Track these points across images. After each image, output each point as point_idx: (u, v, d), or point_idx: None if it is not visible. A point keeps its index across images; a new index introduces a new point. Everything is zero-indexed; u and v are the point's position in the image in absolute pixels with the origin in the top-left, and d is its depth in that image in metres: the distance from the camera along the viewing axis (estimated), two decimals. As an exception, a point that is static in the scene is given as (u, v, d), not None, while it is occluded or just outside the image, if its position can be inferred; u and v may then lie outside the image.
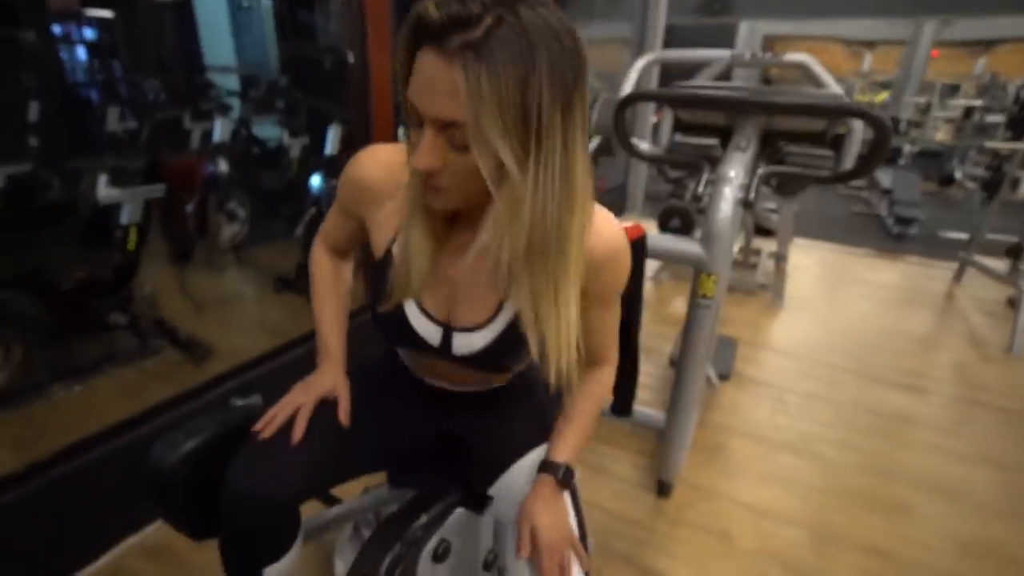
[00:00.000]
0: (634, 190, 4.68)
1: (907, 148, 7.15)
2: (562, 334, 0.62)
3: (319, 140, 2.91)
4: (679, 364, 1.46)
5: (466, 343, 0.72)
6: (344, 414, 0.80)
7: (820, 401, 2.15)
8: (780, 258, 2.94)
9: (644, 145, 1.64)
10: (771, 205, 3.54)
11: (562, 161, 0.53)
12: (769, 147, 1.65)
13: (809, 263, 3.73)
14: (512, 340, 0.69)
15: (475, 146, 0.51)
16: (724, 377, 1.94)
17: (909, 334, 2.78)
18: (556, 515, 0.73)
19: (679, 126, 1.69)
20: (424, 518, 0.73)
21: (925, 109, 8.02)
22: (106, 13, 4.23)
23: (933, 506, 1.64)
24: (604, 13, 4.50)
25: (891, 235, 4.84)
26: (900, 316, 3.00)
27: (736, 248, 3.33)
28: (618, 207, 4.69)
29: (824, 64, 2.08)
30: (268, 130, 3.45)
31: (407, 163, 0.62)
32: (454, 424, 0.89)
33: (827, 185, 6.35)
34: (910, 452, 1.88)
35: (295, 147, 3.30)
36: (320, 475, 0.78)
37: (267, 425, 0.75)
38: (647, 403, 1.93)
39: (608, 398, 0.85)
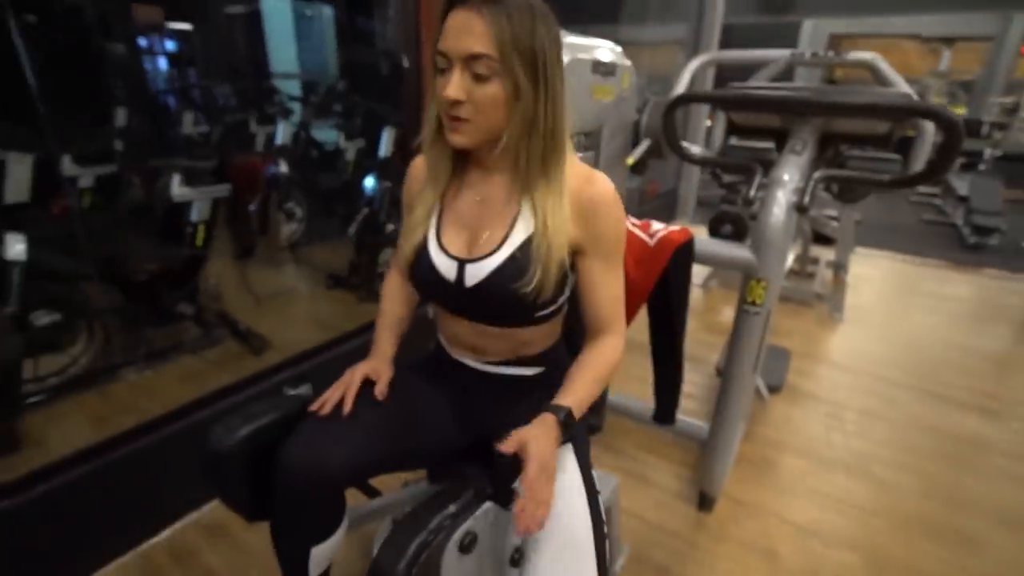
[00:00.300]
0: (685, 195, 4.58)
1: (988, 152, 6.64)
2: (557, 216, 0.76)
3: (374, 142, 3.01)
4: (725, 373, 1.42)
5: (476, 271, 0.80)
6: (380, 392, 0.86)
7: (879, 419, 2.04)
8: (839, 267, 2.80)
9: (695, 148, 1.60)
10: (831, 212, 3.38)
11: (557, 91, 0.74)
12: (828, 150, 1.58)
13: (872, 273, 3.53)
14: (517, 261, 0.78)
15: (502, 67, 0.69)
16: (775, 389, 1.87)
17: (984, 352, 2.58)
18: (549, 442, 0.72)
19: (733, 129, 1.64)
20: (452, 508, 0.74)
21: (1012, 110, 7.42)
22: (185, 26, 4.55)
23: (1006, 540, 1.51)
24: (658, 14, 4.42)
25: (967, 246, 4.51)
26: (974, 332, 2.79)
27: (792, 256, 3.20)
28: (668, 212, 4.59)
29: (896, 64, 1.96)
30: (326, 133, 3.60)
31: (433, 103, 0.77)
32: (488, 417, 0.92)
33: (891, 191, 5.98)
34: (980, 479, 1.75)
35: (351, 149, 3.42)
36: (366, 459, 0.82)
37: (321, 406, 0.82)
38: (691, 413, 1.89)
39: (608, 376, 0.84)
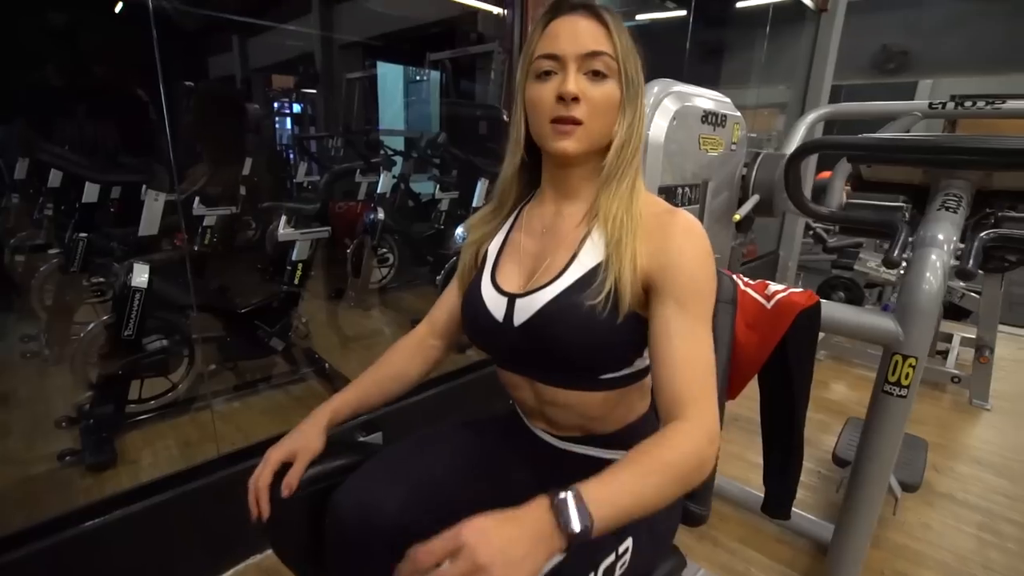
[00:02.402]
0: (787, 258, 4.24)
1: None
2: (631, 242, 0.66)
3: (468, 193, 3.07)
4: (857, 466, 1.18)
5: (526, 306, 0.70)
6: (288, 487, 0.70)
7: (1053, 541, 1.62)
8: (982, 347, 2.39)
9: (824, 208, 1.44)
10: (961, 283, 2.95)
11: (644, 104, 0.71)
12: (983, 209, 1.34)
13: (1020, 355, 3.00)
14: (576, 294, 0.66)
15: (619, 66, 0.67)
16: (910, 488, 1.55)
17: None
18: (509, 541, 0.46)
19: (860, 184, 1.46)
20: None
21: None
22: (311, 90, 5.07)
23: None
24: (761, 77, 4.29)
25: None
26: None
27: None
28: (767, 276, 4.27)
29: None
30: (423, 185, 3.75)
31: (519, 119, 0.73)
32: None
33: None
34: None
35: (444, 200, 3.53)
36: (428, 515, 0.71)
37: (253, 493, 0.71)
38: (803, 505, 1.61)
39: (676, 477, 0.55)
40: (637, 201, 0.69)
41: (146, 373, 1.84)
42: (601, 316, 0.64)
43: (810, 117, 1.90)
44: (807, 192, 3.81)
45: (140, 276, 1.74)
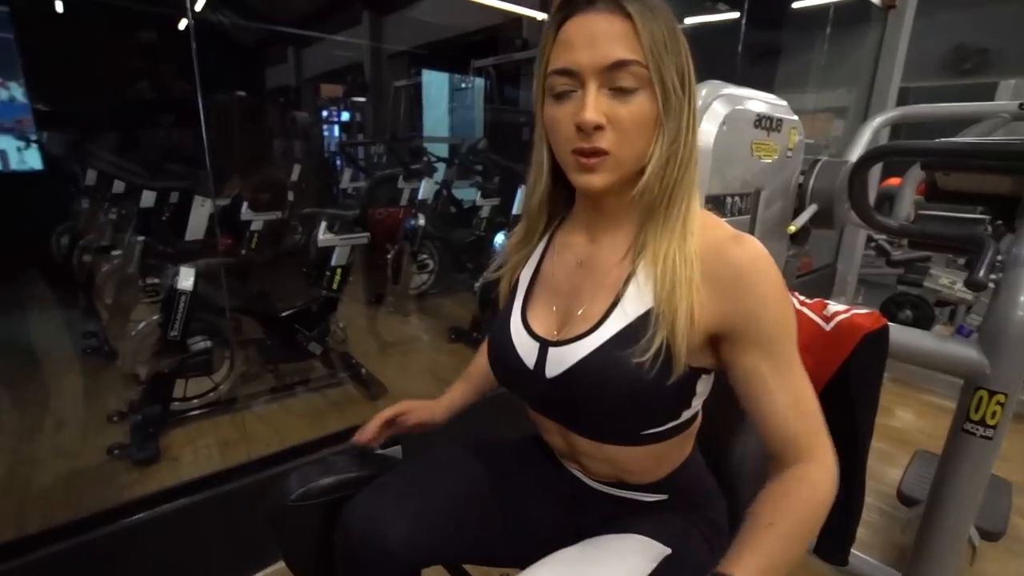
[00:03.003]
0: (845, 272, 3.98)
1: None
2: (686, 283, 0.55)
3: (509, 200, 3.03)
4: (928, 510, 1.05)
5: (560, 358, 0.60)
6: (403, 424, 0.81)
7: None
8: (1075, 377, 2.14)
9: (893, 221, 1.30)
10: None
11: (696, 107, 0.58)
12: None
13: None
14: (620, 347, 0.56)
15: (653, 75, 0.53)
16: (992, 536, 1.38)
17: None
18: None
19: (933, 193, 1.31)
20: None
21: None
22: (360, 98, 5.19)
23: None
24: (819, 81, 4.07)
25: None
26: None
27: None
28: (823, 291, 4.02)
29: None
30: (465, 191, 3.75)
31: (541, 145, 0.63)
32: (599, 532, 0.70)
33: None
34: None
35: (486, 207, 3.51)
36: (436, 539, 0.68)
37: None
38: (863, 545, 1.46)
39: (812, 529, 0.53)
40: (692, 233, 0.57)
41: (190, 372, 1.88)
42: (648, 376, 0.55)
43: (876, 121, 1.74)
44: (890, 202, 3.55)
45: (186, 279, 1.78)
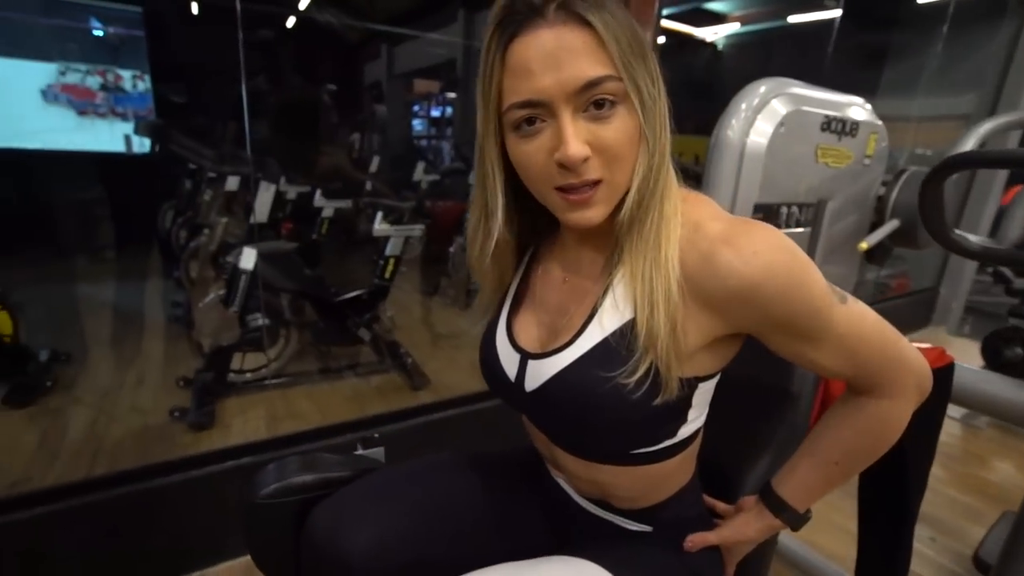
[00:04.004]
0: (949, 299, 3.52)
1: None
2: (659, 291, 0.49)
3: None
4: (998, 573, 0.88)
5: (538, 372, 0.56)
6: None
7: None
8: None
9: (973, 238, 1.10)
10: None
11: (664, 94, 0.51)
12: None
13: None
14: (597, 362, 0.51)
15: (629, 87, 0.47)
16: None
17: None
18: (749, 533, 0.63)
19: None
20: None
21: None
22: (452, 94, 5.31)
23: None
24: (934, 84, 3.62)
25: None
26: None
27: None
28: (919, 317, 3.59)
29: None
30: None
31: (483, 194, 0.56)
32: (585, 553, 0.64)
33: None
34: None
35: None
36: (407, 551, 0.65)
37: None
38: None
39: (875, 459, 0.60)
40: (668, 239, 0.50)
41: (247, 347, 2.00)
42: (631, 396, 0.50)
43: (984, 127, 1.48)
44: (986, 218, 3.13)
45: (248, 260, 1.90)
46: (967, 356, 2.79)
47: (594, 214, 0.50)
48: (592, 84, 0.46)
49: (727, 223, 0.50)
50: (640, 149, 0.50)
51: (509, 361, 0.60)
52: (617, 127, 0.48)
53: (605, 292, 0.53)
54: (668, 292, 0.48)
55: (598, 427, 0.54)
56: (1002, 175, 3.18)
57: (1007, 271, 2.22)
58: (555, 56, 0.45)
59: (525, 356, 0.58)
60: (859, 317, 0.52)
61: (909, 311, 3.51)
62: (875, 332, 0.53)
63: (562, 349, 0.54)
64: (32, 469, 1.62)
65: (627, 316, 0.51)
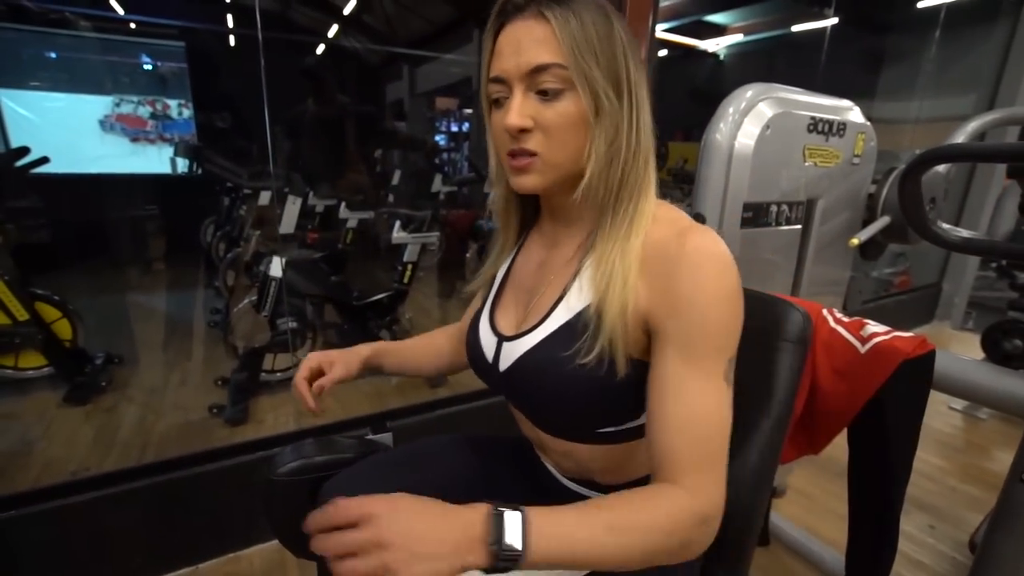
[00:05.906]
0: (952, 294, 3.42)
1: None
2: (626, 276, 0.51)
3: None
4: (977, 565, 0.86)
5: (510, 352, 0.59)
6: (318, 388, 0.75)
7: None
8: None
9: (963, 232, 1.07)
10: None
11: (644, 107, 0.54)
12: None
13: None
14: (560, 341, 0.54)
15: (576, 76, 0.51)
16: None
17: None
18: (420, 535, 0.40)
19: (1029, 206, 1.07)
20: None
21: None
22: (469, 110, 5.37)
23: None
24: (932, 86, 3.53)
25: None
26: None
27: None
28: (922, 312, 3.49)
29: None
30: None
31: (493, 150, 0.60)
32: None
33: None
34: None
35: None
36: None
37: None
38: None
39: (645, 549, 0.45)
40: (638, 233, 0.53)
41: (277, 349, 2.05)
42: (592, 374, 0.52)
43: (978, 122, 1.43)
44: (986, 214, 3.03)
45: (276, 267, 1.95)
46: (969, 350, 2.71)
47: (527, 181, 0.55)
48: (540, 68, 0.51)
49: (693, 230, 0.51)
50: (590, 137, 0.53)
51: (488, 343, 0.63)
52: (560, 110, 0.52)
53: (575, 276, 0.57)
54: (626, 277, 0.51)
55: (562, 407, 0.56)
56: (1000, 171, 3.08)
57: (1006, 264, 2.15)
58: (519, 43, 0.52)
59: (501, 338, 0.61)
60: (719, 402, 0.49)
61: (912, 307, 3.42)
62: (717, 424, 0.49)
63: (531, 331, 0.57)
64: (90, 459, 1.69)
65: (588, 300, 0.54)
